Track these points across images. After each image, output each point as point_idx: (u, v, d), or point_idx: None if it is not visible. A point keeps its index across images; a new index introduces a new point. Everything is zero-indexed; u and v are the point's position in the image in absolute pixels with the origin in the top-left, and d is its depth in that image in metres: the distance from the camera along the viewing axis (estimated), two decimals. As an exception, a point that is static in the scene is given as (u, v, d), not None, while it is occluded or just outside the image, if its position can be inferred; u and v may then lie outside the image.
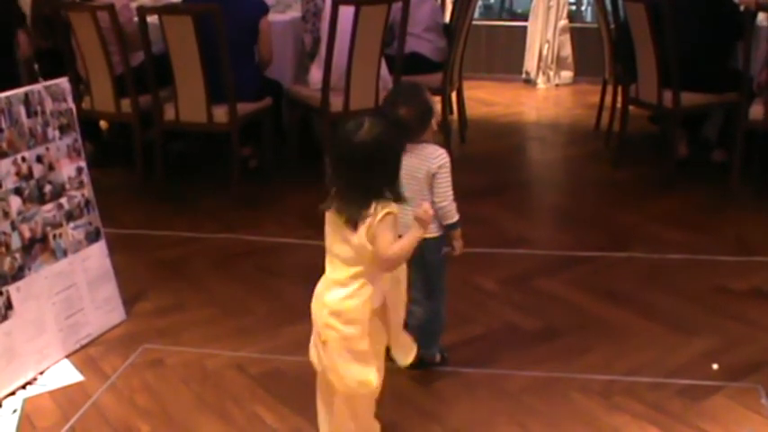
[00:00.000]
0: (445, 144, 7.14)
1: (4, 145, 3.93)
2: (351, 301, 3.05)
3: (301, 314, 4.50)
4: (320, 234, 5.44)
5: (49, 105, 4.19)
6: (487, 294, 4.78)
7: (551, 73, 10.52)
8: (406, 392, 3.85)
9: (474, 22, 8.04)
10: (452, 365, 4.03)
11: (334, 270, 3.13)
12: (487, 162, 7.40)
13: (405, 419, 3.66)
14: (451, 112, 7.84)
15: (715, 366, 3.97)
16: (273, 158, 6.81)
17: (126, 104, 6.43)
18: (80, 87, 6.50)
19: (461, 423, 3.62)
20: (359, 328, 3.06)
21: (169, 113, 6.27)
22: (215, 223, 5.85)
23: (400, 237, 3.03)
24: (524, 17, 10.81)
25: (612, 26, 7.51)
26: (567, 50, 10.50)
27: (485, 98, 9.66)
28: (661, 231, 5.54)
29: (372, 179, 2.98)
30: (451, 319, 4.44)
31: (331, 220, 3.10)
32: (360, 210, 2.98)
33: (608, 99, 7.84)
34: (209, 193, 6.51)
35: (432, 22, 7.41)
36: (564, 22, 10.42)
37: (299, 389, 3.83)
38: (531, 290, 4.82)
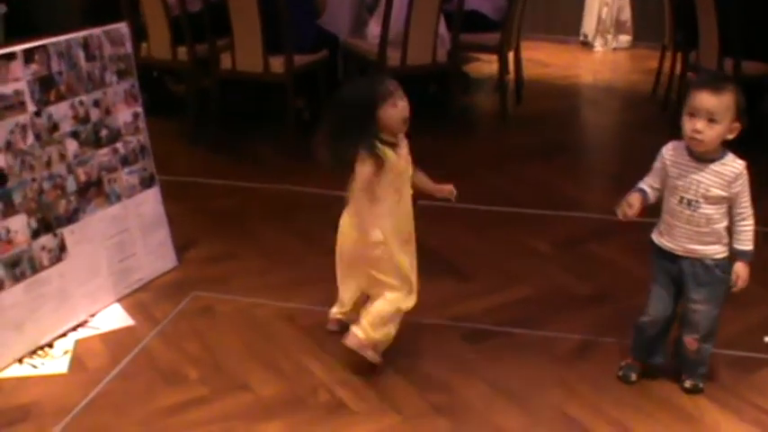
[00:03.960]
0: (501, 104, 7.12)
1: (63, 88, 3.94)
2: None
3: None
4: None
5: (108, 50, 4.19)
6: (539, 256, 4.76)
7: (609, 36, 10.41)
8: (455, 350, 3.85)
9: (534, -17, 7.97)
10: (502, 326, 4.02)
11: None
12: (542, 123, 7.35)
13: (453, 376, 3.65)
14: (508, 72, 7.78)
15: (767, 339, 3.93)
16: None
17: (182, 52, 6.44)
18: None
19: (509, 383, 3.60)
20: None
21: (225, 62, 6.28)
22: (268, 174, 5.85)
23: None
24: (584, -21, 10.69)
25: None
26: (627, 14, 10.38)
27: (542, 59, 9.58)
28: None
29: None
30: (502, 279, 4.45)
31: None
32: None
33: (666, 65, 7.75)
34: (263, 143, 6.53)
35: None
36: (624, -15, 10.30)
37: (349, 342, 3.86)
38: (583, 254, 4.78)
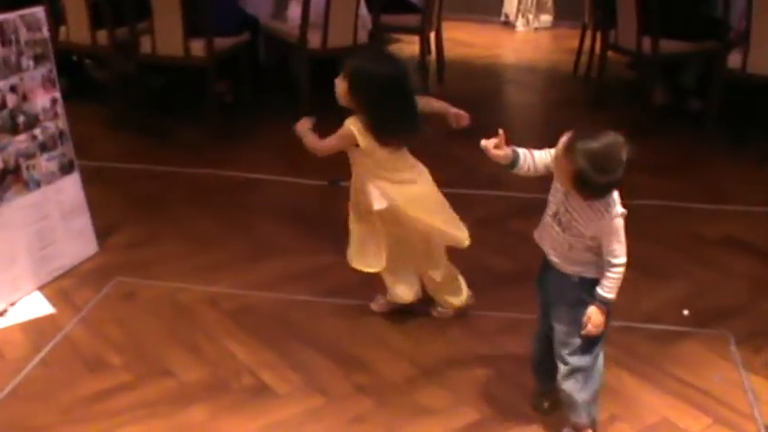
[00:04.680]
0: (422, 84, 7.14)
1: (-22, 74, 3.89)
2: None
3: (274, 250, 4.57)
4: (294, 171, 5.46)
5: (24, 35, 4.13)
6: (461, 235, 4.78)
7: (531, 16, 10.48)
8: (379, 332, 3.87)
9: (454, -37, 8.00)
10: (425, 305, 4.04)
11: None
12: (464, 103, 7.22)
13: (376, 356, 3.68)
14: (429, 53, 7.81)
15: (686, 312, 4.01)
16: (250, 95, 6.78)
17: (102, 36, 6.37)
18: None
19: (436, 363, 3.63)
20: None
21: (145, 46, 6.22)
22: (190, 158, 5.83)
23: None
24: (505, -42, 10.74)
25: (594, -30, 7.48)
26: (548, -7, 10.47)
27: (463, 39, 9.62)
28: (635, 177, 5.49)
29: None
30: (425, 258, 4.46)
31: None
32: None
33: (587, 44, 7.83)
34: (186, 127, 6.49)
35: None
36: (545, -36, 10.38)
37: (271, 324, 3.89)
38: (505, 231, 4.83)
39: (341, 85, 3.59)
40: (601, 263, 2.92)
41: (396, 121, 3.59)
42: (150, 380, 3.51)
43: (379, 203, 3.65)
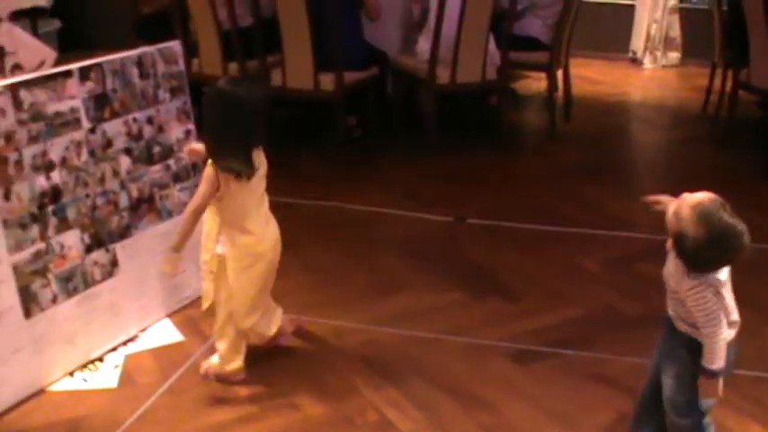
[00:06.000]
0: (550, 121, 7.11)
1: (117, 106, 3.99)
2: None
3: (399, 286, 4.58)
4: (420, 206, 5.47)
5: (161, 68, 4.23)
6: (588, 276, 4.73)
7: (658, 53, 10.35)
8: (504, 373, 3.84)
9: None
10: (550, 346, 4.00)
11: None
12: (591, 141, 7.32)
13: (500, 397, 3.65)
14: (556, 90, 7.77)
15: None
16: (376, 129, 6.82)
17: (233, 68, 6.48)
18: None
19: (557, 405, 3.59)
20: None
21: (276, 79, 6.31)
22: (316, 190, 5.87)
23: None
24: (633, -5, 10.64)
25: (725, 8, 7.35)
26: (676, 31, 10.31)
27: (590, 76, 9.54)
28: (760, 219, 5.42)
29: None
30: (551, 298, 4.44)
31: None
32: None
33: (716, 83, 7.70)
34: (311, 160, 6.55)
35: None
36: (673, 1, 10.21)
37: (396, 360, 3.89)
38: (633, 273, 4.76)
39: None
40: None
41: (230, 145, 3.52)
42: (275, 412, 3.55)
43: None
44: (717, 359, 2.83)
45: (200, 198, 3.56)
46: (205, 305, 3.78)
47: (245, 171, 3.53)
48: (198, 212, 3.58)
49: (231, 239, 3.64)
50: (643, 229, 5.18)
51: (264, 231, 3.71)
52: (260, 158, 3.65)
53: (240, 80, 3.59)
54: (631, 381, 3.75)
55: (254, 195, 3.66)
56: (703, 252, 2.74)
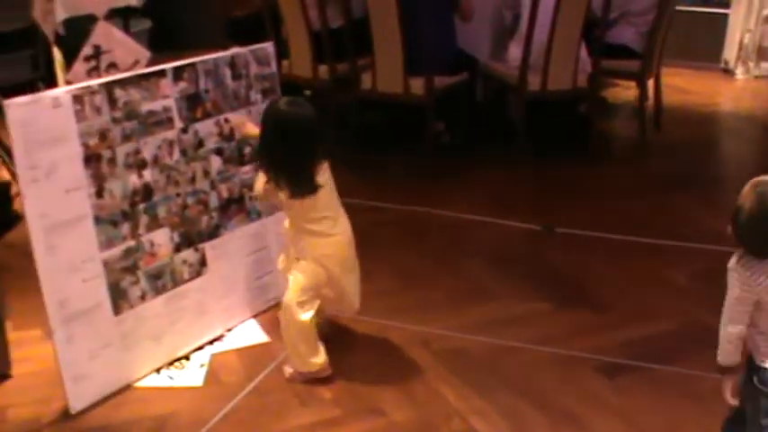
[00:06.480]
0: (640, 131, 7.01)
1: (209, 106, 4.01)
2: None
3: (485, 293, 4.54)
4: (507, 214, 5.42)
5: (254, 69, 4.25)
6: (677, 289, 4.65)
7: (751, 64, 10.17)
8: (591, 386, 3.78)
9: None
10: (638, 360, 3.94)
11: None
12: (681, 151, 7.20)
13: (586, 410, 3.59)
14: (647, 99, 7.66)
15: None
16: (464, 134, 6.78)
17: (323, 70, 6.50)
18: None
19: (644, 420, 3.52)
20: None
21: (366, 82, 6.31)
22: (403, 195, 5.86)
23: None
24: (726, 4, 10.47)
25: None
26: (770, 41, 10.15)
27: (681, 86, 9.40)
28: None
29: None
30: (639, 311, 4.37)
31: None
32: None
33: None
34: (399, 164, 6.53)
35: (651, 4, 7.12)
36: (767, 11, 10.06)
37: (482, 369, 3.86)
38: (722, 287, 4.65)
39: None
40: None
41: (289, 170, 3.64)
42: (359, 416, 3.54)
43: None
44: (721, 352, 2.88)
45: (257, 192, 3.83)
46: None
47: (298, 192, 3.64)
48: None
49: (298, 243, 3.79)
50: (732, 243, 5.08)
51: (332, 234, 3.81)
52: (324, 175, 3.74)
53: (298, 100, 3.66)
54: (721, 399, 3.67)
55: (317, 207, 3.73)
56: (752, 226, 2.73)
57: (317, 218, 3.72)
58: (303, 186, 3.61)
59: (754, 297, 2.79)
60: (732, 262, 2.82)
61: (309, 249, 3.74)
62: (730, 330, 2.84)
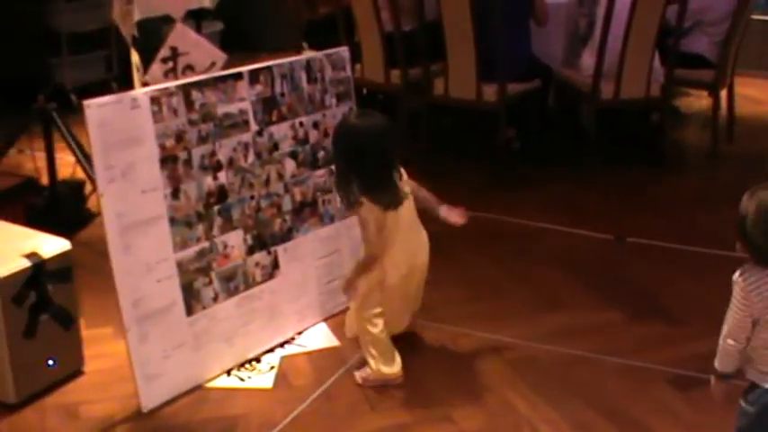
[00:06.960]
0: (712, 141, 6.93)
1: (284, 109, 4.04)
2: None
3: (557, 303, 4.51)
4: (579, 222, 5.38)
5: (329, 73, 4.27)
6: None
7: (829, 74, 10.03)
8: (664, 398, 3.74)
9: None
10: (708, 374, 3.88)
11: None
12: (754, 163, 7.10)
13: (657, 422, 3.56)
14: (720, 109, 7.57)
15: None
16: (535, 142, 6.74)
17: (396, 75, 6.49)
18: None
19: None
20: None
21: (438, 88, 6.30)
22: (474, 201, 5.81)
23: None
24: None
25: None
26: None
27: (754, 96, 9.27)
28: None
29: None
30: (714, 324, 4.26)
31: None
32: None
33: None
34: (469, 170, 6.51)
35: (726, 13, 7.04)
36: None
37: (553, 379, 3.83)
38: None
39: None
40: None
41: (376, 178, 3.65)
42: (429, 423, 3.53)
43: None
44: (719, 360, 2.93)
45: (374, 247, 3.74)
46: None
47: (390, 202, 3.68)
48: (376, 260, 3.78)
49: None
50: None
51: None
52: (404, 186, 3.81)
53: (367, 112, 3.72)
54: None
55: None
56: (760, 231, 2.70)
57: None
58: (391, 196, 3.67)
59: (755, 315, 2.79)
60: (736, 275, 2.81)
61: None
62: (730, 343, 2.86)
